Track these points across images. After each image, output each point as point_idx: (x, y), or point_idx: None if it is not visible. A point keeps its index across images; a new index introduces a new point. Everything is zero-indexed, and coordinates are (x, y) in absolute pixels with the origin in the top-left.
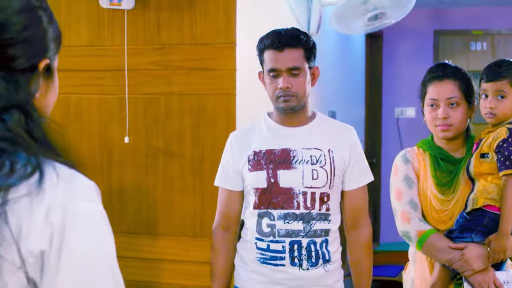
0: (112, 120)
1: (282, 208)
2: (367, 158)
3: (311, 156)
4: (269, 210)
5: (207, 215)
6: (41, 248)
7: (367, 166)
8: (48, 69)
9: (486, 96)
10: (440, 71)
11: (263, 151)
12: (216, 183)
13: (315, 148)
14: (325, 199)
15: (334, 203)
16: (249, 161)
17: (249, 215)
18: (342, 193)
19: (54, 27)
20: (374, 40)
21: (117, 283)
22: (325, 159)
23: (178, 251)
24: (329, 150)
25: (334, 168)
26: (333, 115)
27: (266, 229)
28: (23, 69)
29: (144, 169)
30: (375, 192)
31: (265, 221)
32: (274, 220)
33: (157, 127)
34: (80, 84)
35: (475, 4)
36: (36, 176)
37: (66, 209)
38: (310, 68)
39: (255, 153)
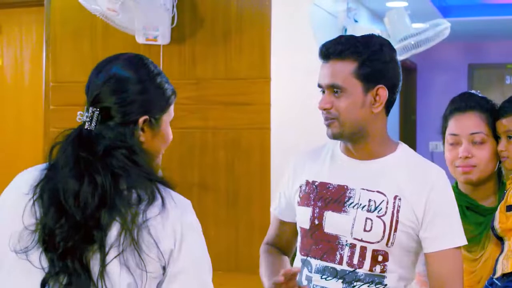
0: None
1: (321, 258)
2: None
3: (369, 201)
4: (308, 259)
5: (242, 249)
6: (171, 247)
7: (458, 224)
8: (151, 122)
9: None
10: (463, 102)
11: (316, 183)
12: (271, 208)
13: (378, 192)
14: (380, 258)
15: (397, 265)
16: (300, 191)
17: (297, 260)
18: (425, 256)
19: (155, 92)
20: (408, 74)
21: (210, 262)
22: (386, 208)
23: (213, 285)
24: (395, 197)
25: (396, 222)
26: None
27: (304, 282)
28: (123, 123)
29: None
30: None
31: (305, 271)
32: (311, 272)
33: (192, 161)
34: None
35: (510, 37)
36: (159, 199)
37: (183, 222)
38: (368, 88)
39: (307, 183)
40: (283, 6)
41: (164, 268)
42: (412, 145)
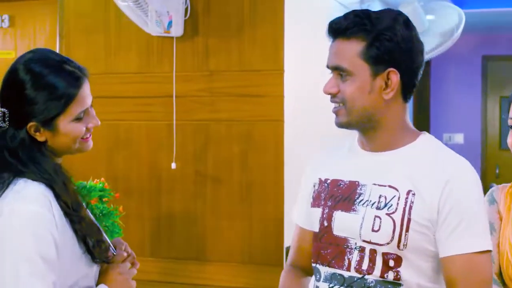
0: (161, 146)
1: (329, 265)
2: None
3: (380, 197)
4: (317, 266)
5: (255, 241)
6: None
7: (481, 225)
8: (47, 124)
9: None
10: None
11: (328, 181)
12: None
13: (390, 186)
14: (391, 263)
15: (414, 272)
16: (313, 191)
17: None
18: (440, 262)
19: (40, 102)
20: None
21: (27, 252)
22: (397, 204)
23: (226, 276)
24: (408, 192)
25: (408, 220)
26: None
27: None
28: (14, 127)
29: (193, 195)
30: None
31: (313, 281)
32: (319, 280)
33: (205, 153)
34: (129, 111)
35: None
36: (3, 188)
37: (3, 208)
38: (377, 72)
39: (320, 181)
40: None
41: None
42: None
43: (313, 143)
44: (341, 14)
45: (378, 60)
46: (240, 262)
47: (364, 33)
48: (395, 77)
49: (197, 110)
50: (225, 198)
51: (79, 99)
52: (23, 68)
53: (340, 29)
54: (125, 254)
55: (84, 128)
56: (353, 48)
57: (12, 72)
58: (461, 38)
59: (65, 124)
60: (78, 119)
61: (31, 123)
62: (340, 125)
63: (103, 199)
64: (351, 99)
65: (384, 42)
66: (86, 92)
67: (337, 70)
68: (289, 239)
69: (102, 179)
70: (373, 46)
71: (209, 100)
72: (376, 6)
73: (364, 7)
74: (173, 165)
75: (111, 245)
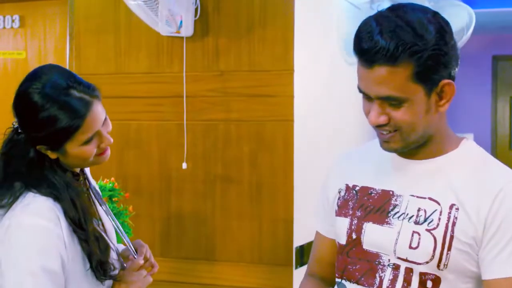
0: (171, 146)
1: (358, 282)
2: None
3: (418, 210)
4: (343, 282)
5: (265, 241)
6: (1, 239)
7: None
8: (55, 149)
9: None
10: None
11: (357, 188)
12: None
13: (430, 199)
14: (429, 284)
15: None
16: (338, 198)
17: None
18: (483, 284)
19: (46, 130)
20: None
21: (31, 263)
22: (439, 219)
23: (236, 277)
24: (451, 206)
25: (451, 237)
26: None
27: None
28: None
29: (202, 195)
30: None
31: None
32: None
33: (215, 154)
34: (139, 111)
35: None
36: (12, 200)
37: (12, 220)
38: (431, 89)
39: (347, 188)
40: None
41: None
42: None
43: (323, 143)
44: (350, 14)
45: (431, 77)
46: (250, 262)
47: (414, 55)
48: (450, 88)
49: (207, 110)
50: (235, 198)
51: (85, 126)
52: (33, 95)
53: (384, 56)
54: (142, 262)
55: (95, 149)
56: (404, 73)
57: (23, 97)
58: (471, 38)
59: (73, 149)
60: (87, 142)
61: (41, 146)
62: (394, 150)
63: (113, 199)
64: (409, 125)
65: (435, 57)
66: (95, 115)
67: (387, 100)
68: (299, 239)
69: (112, 179)
70: (425, 65)
71: (219, 100)
72: (386, 6)
73: (374, 6)
74: (184, 165)
75: (132, 247)
